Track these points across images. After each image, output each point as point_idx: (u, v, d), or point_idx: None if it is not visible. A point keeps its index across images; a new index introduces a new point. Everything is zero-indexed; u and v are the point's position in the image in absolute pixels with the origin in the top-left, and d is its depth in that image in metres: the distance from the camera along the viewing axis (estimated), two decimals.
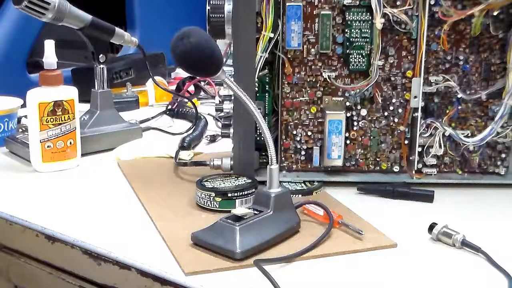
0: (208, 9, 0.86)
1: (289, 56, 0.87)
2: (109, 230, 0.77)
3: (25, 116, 1.11)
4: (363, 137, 0.90)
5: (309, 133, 0.90)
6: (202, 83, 1.43)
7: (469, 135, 0.88)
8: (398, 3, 0.84)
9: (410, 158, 0.90)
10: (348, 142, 0.89)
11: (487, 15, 0.84)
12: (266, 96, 0.90)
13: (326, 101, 0.89)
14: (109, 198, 0.88)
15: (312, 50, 0.87)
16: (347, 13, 0.86)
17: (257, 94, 0.89)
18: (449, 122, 0.89)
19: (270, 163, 0.73)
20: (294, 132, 0.90)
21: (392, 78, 0.88)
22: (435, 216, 0.78)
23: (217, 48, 0.70)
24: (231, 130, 0.89)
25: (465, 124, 0.89)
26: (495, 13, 0.83)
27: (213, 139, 1.16)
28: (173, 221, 0.78)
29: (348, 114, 0.89)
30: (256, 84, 0.87)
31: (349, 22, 0.86)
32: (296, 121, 0.89)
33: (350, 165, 0.91)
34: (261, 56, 0.85)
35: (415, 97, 0.87)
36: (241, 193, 0.80)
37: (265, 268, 0.64)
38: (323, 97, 0.89)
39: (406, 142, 0.90)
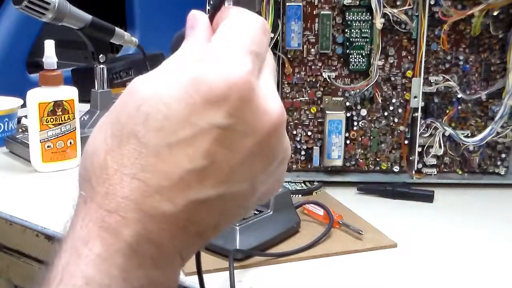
0: (208, 9, 0.86)
1: (289, 56, 0.87)
2: None
3: (25, 116, 1.11)
4: (363, 137, 0.90)
5: (309, 133, 0.89)
6: None
7: (469, 135, 0.88)
8: (398, 3, 0.84)
9: (410, 158, 0.90)
10: (348, 142, 0.89)
11: (487, 15, 0.84)
12: None
13: (326, 101, 0.89)
14: None
15: (312, 50, 0.87)
16: (347, 13, 0.86)
17: None
18: (449, 122, 0.88)
19: None
20: (294, 132, 0.90)
21: (392, 78, 0.88)
22: (435, 216, 0.78)
23: None
24: None
25: (465, 124, 0.89)
26: (495, 13, 0.83)
27: None
28: None
29: (348, 114, 0.89)
30: None
31: (349, 22, 0.86)
32: (296, 121, 0.89)
33: (350, 165, 0.91)
34: None
35: (415, 97, 0.87)
36: None
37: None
38: (323, 97, 0.89)
39: (406, 142, 0.90)
